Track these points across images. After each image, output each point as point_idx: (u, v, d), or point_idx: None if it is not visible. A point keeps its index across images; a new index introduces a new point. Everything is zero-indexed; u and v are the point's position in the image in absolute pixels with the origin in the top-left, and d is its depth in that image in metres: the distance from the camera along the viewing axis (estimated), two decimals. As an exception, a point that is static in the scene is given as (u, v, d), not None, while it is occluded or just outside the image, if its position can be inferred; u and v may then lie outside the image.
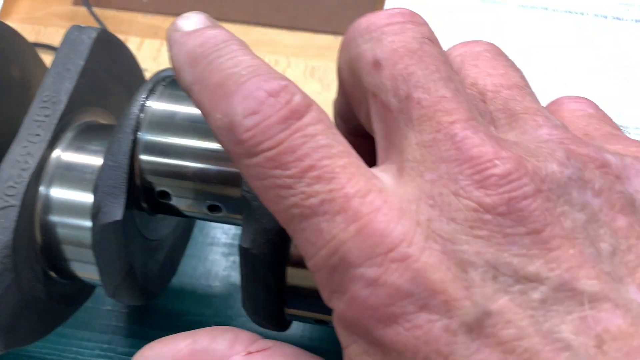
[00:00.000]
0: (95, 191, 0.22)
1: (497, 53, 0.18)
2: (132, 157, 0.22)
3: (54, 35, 0.45)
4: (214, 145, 0.22)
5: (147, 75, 0.43)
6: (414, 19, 0.16)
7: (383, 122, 0.16)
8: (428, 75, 0.15)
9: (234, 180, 0.21)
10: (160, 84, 0.23)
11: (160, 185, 0.22)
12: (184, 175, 0.22)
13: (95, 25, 0.45)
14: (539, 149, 0.14)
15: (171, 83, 0.23)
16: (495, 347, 0.12)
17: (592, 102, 0.19)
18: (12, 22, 0.46)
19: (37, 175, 0.23)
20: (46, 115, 0.24)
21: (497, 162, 0.13)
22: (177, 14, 0.51)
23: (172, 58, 0.18)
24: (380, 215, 0.14)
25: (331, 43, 0.43)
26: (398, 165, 0.15)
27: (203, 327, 0.32)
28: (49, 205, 0.24)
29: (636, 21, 0.44)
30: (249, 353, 0.17)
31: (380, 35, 0.16)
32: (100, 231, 0.21)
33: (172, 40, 0.18)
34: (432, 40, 0.16)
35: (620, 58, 0.42)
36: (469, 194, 0.13)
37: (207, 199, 0.22)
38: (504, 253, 0.13)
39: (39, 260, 0.24)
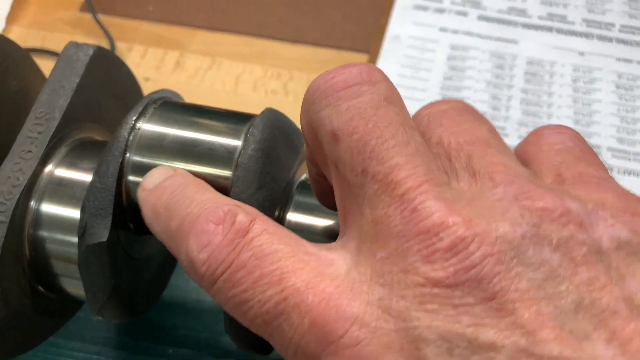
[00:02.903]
0: (82, 211, 0.22)
1: (463, 109, 0.18)
2: (120, 178, 0.22)
3: (60, 41, 0.45)
4: (202, 169, 0.22)
5: (150, 84, 0.44)
6: (372, 78, 0.16)
7: (343, 194, 0.16)
8: (382, 144, 0.15)
9: None
10: (151, 106, 0.23)
11: (147, 207, 0.22)
12: (170, 198, 0.22)
13: (100, 32, 0.45)
14: (493, 209, 0.14)
15: (162, 105, 0.23)
16: None
17: (575, 132, 0.18)
18: (19, 27, 0.46)
19: (28, 191, 0.24)
20: (39, 132, 0.24)
21: (442, 234, 0.13)
22: (182, 23, 0.52)
23: (143, 215, 0.20)
24: (330, 302, 0.14)
25: (333, 57, 0.43)
26: (356, 242, 0.15)
27: (193, 341, 0.32)
28: (38, 220, 0.24)
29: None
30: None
31: (337, 101, 0.16)
32: (86, 251, 0.21)
33: (140, 200, 0.20)
34: (391, 99, 0.16)
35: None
36: (416, 270, 0.14)
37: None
38: (456, 324, 0.13)
39: (26, 275, 0.24)
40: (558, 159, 0.17)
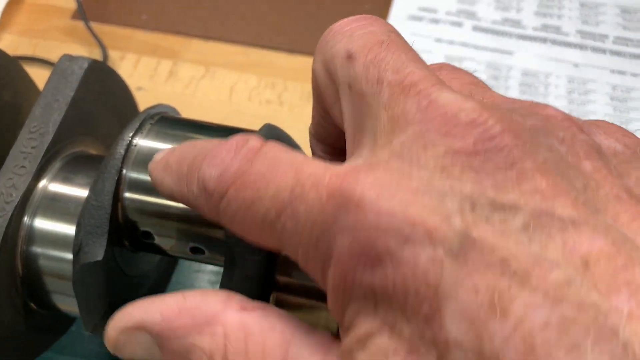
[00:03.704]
0: (77, 229, 0.21)
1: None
2: (116, 195, 0.21)
3: (52, 49, 0.45)
4: (199, 187, 0.21)
5: (143, 93, 0.43)
6: (379, 20, 0.18)
7: (357, 111, 0.17)
8: (397, 59, 0.16)
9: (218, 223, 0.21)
10: (148, 122, 0.23)
11: (143, 225, 0.22)
12: (167, 215, 0.21)
13: (92, 40, 0.45)
14: (505, 108, 0.15)
15: (159, 121, 0.23)
16: (484, 271, 0.12)
17: None
18: (10, 35, 0.46)
19: (22, 207, 0.23)
20: (33, 147, 0.24)
21: (460, 115, 0.14)
22: (177, 31, 0.51)
23: (153, 181, 0.19)
24: (347, 177, 0.14)
25: (329, 67, 0.43)
26: (369, 147, 0.16)
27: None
28: (32, 236, 0.23)
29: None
30: (244, 308, 0.16)
31: (351, 32, 0.17)
32: (81, 270, 0.21)
33: (150, 168, 0.19)
34: (398, 33, 0.18)
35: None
36: (435, 144, 0.14)
37: (190, 241, 0.22)
38: (478, 185, 0.13)
39: (19, 292, 0.24)
40: None
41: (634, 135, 0.16)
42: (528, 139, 0.14)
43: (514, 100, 0.17)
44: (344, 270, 0.14)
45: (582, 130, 0.15)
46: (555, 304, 0.12)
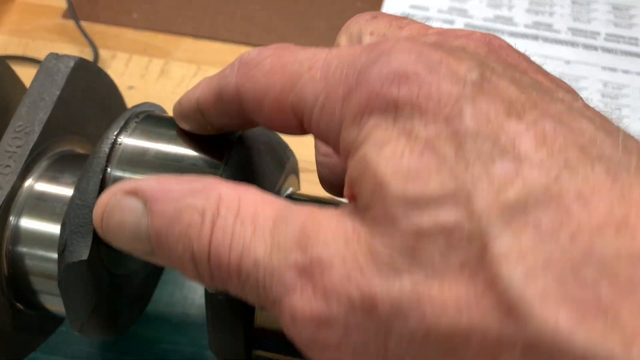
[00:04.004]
0: (62, 228, 0.21)
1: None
2: (100, 194, 0.21)
3: (42, 49, 0.45)
4: (185, 185, 0.21)
5: (134, 92, 0.43)
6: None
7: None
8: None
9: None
10: (133, 120, 0.22)
11: (129, 223, 0.22)
12: (153, 214, 0.21)
13: (83, 39, 0.45)
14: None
15: (145, 119, 0.23)
16: (502, 91, 0.14)
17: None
18: (0, 35, 0.46)
19: (7, 206, 0.23)
20: (18, 146, 0.24)
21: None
22: (168, 30, 0.51)
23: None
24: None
25: (320, 66, 0.43)
26: None
27: (178, 355, 0.32)
28: (17, 236, 0.23)
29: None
30: (238, 185, 0.17)
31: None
32: (66, 270, 0.21)
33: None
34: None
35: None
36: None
37: (176, 240, 0.21)
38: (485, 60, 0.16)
39: (5, 292, 0.23)
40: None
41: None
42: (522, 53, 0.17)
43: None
44: (369, 89, 0.15)
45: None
46: (562, 122, 0.13)
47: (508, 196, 0.12)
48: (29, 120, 0.24)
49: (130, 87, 0.43)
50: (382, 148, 0.14)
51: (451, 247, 0.13)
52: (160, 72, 0.44)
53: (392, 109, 0.14)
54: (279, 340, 0.22)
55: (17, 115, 0.24)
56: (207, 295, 0.20)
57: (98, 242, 0.22)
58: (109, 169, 0.21)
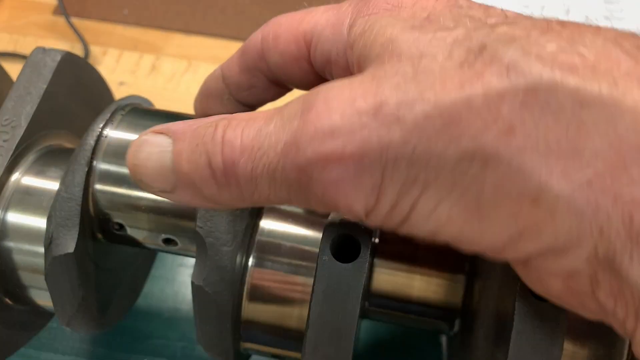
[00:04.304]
0: (48, 221, 0.21)
1: None
2: (87, 187, 0.21)
3: (32, 45, 0.44)
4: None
5: (125, 88, 0.43)
6: None
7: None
8: None
9: (189, 214, 0.21)
10: (119, 112, 0.22)
11: (115, 216, 0.22)
12: (138, 206, 0.21)
13: (74, 36, 0.44)
14: None
15: (131, 111, 0.23)
16: None
17: None
18: (-10, 31, 0.46)
19: (-6, 201, 0.23)
20: (4, 140, 0.24)
21: None
22: (158, 26, 0.51)
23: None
24: None
25: (312, 60, 0.43)
26: None
27: (169, 350, 0.31)
28: (4, 230, 0.23)
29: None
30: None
31: None
32: (53, 263, 0.21)
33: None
34: None
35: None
36: None
37: (163, 232, 0.21)
38: None
39: (-7, 287, 0.23)
40: None
41: None
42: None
43: None
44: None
45: None
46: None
47: None
48: (16, 114, 0.24)
49: (122, 83, 0.43)
50: (390, 16, 0.17)
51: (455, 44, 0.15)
52: (152, 68, 0.44)
53: None
54: (266, 333, 0.22)
55: (4, 109, 0.24)
56: (194, 288, 0.20)
57: (84, 236, 0.21)
58: (94, 162, 0.21)
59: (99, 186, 0.21)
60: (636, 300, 0.13)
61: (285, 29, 0.20)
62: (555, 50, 0.14)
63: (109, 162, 0.21)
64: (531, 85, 0.14)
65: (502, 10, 0.17)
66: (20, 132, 0.24)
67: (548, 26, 0.15)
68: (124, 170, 0.21)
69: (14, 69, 0.29)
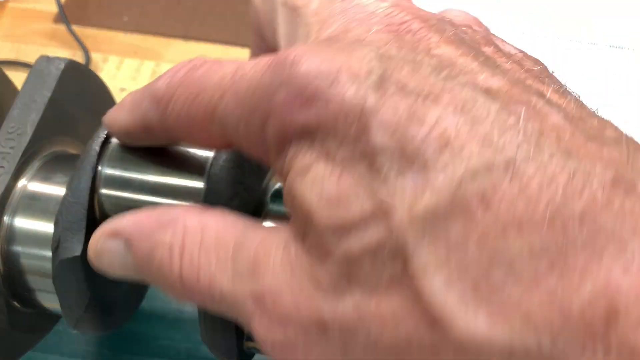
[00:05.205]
0: (55, 225, 0.22)
1: None
2: (92, 192, 0.22)
3: (34, 53, 0.45)
4: (174, 180, 0.22)
5: (126, 94, 0.44)
6: None
7: (291, 24, 0.18)
8: None
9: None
10: (123, 119, 0.23)
11: (121, 220, 0.22)
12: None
13: (75, 43, 0.45)
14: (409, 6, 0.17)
15: (134, 117, 0.23)
16: (402, 95, 0.14)
17: None
18: (-8, 40, 0.46)
19: (1, 206, 0.23)
20: (11, 147, 0.24)
21: (379, 10, 0.16)
22: (158, 32, 0.52)
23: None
24: (283, 52, 0.16)
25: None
26: (301, 42, 0.17)
27: (173, 351, 0.32)
28: (12, 235, 0.24)
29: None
30: (203, 211, 0.18)
31: None
32: (60, 266, 0.21)
33: (103, 119, 0.21)
34: None
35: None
36: (358, 30, 0.16)
37: (167, 235, 0.22)
38: (394, 48, 0.15)
39: (1, 291, 0.24)
40: None
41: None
42: (435, 23, 0.16)
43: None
44: (281, 118, 0.15)
45: (485, 33, 0.17)
46: (464, 112, 0.13)
47: (419, 208, 0.13)
48: (21, 122, 0.25)
49: (123, 90, 0.43)
50: (304, 176, 0.15)
51: (379, 265, 0.13)
52: (152, 74, 0.44)
53: (306, 134, 0.15)
54: None
55: (10, 117, 0.25)
56: None
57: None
58: (100, 167, 0.22)
59: (104, 190, 0.22)
60: None
61: (196, 130, 0.18)
62: None
63: (114, 167, 0.22)
64: (459, 341, 0.13)
65: None
66: (26, 139, 0.24)
67: None
68: (129, 174, 0.22)
69: (16, 77, 0.29)
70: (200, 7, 0.48)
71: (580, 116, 0.14)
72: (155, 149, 0.22)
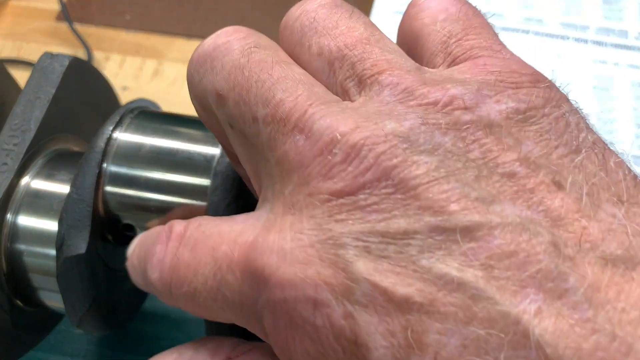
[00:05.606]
0: (59, 223, 0.21)
1: (333, 5, 0.17)
2: (97, 189, 0.21)
3: (36, 52, 0.45)
4: (180, 178, 0.22)
5: (128, 93, 0.44)
6: (238, 33, 0.17)
7: (247, 151, 0.16)
8: (262, 87, 0.15)
9: (199, 214, 0.21)
10: (128, 115, 0.23)
11: (125, 217, 0.22)
12: (148, 208, 0.22)
13: (77, 41, 0.45)
14: (379, 113, 0.14)
15: (139, 114, 0.23)
16: (393, 313, 0.13)
17: None
18: (-6, 38, 0.46)
19: (4, 204, 0.23)
20: (15, 144, 0.24)
21: (335, 150, 0.14)
22: (161, 31, 0.51)
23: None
24: (251, 248, 0.14)
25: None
26: (270, 196, 0.15)
27: (176, 351, 0.32)
28: (15, 233, 0.24)
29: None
30: (229, 358, 0.17)
31: (212, 63, 0.16)
32: (64, 264, 0.21)
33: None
34: (262, 45, 0.17)
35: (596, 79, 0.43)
36: (319, 190, 0.14)
37: (172, 233, 0.22)
38: (366, 224, 0.13)
39: (4, 289, 0.24)
40: (445, 32, 0.17)
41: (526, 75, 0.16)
42: (406, 153, 0.13)
43: (400, 72, 0.15)
44: (281, 345, 0.14)
45: (466, 108, 0.14)
46: (466, 325, 0.12)
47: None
48: (25, 119, 0.24)
49: (125, 88, 0.43)
50: None
51: None
52: (154, 73, 0.44)
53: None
54: None
55: (14, 114, 0.24)
56: None
57: (95, 237, 0.22)
58: (105, 164, 0.22)
59: (109, 188, 0.22)
60: None
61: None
62: None
63: (119, 165, 0.22)
64: None
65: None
66: (30, 136, 0.24)
67: None
68: (134, 172, 0.22)
69: (18, 75, 0.29)
70: (202, 5, 0.47)
71: None
72: (161, 146, 0.22)
